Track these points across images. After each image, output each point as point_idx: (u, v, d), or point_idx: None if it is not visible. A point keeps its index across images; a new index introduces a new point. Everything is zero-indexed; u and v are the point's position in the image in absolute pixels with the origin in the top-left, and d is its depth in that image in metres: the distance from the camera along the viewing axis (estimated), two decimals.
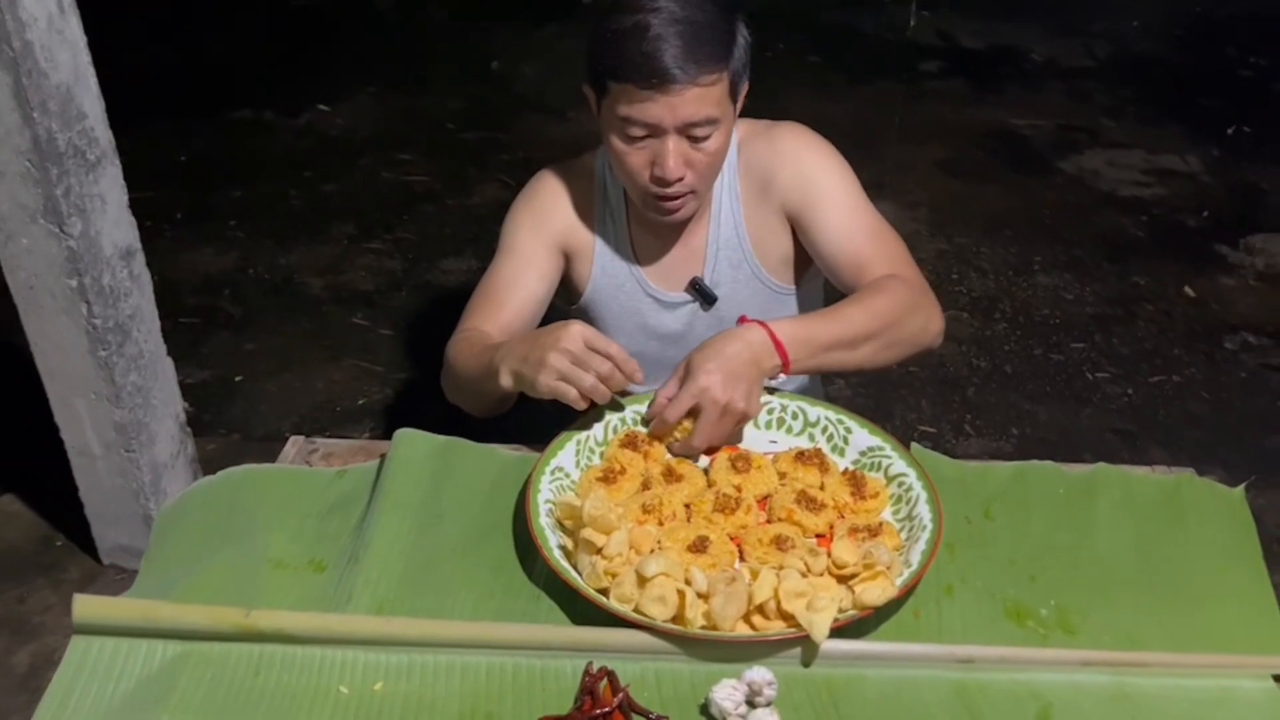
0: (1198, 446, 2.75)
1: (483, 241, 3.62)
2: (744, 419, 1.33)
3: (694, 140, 1.39)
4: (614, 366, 1.27)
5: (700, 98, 1.35)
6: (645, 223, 1.57)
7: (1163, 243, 3.65)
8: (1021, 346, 3.13)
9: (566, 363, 1.26)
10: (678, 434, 1.34)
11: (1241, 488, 1.35)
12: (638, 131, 1.38)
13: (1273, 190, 3.97)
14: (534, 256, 1.57)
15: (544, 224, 1.58)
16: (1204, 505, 1.33)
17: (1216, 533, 1.29)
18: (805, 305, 1.64)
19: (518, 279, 1.55)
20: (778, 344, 1.34)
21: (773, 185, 1.54)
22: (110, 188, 1.95)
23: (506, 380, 1.32)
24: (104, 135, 1.92)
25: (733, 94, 1.41)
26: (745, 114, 1.51)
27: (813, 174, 1.53)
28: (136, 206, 2.04)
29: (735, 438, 1.37)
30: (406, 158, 4.15)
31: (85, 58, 1.84)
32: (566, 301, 1.67)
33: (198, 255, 3.54)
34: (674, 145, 1.38)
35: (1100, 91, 4.80)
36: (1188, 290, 3.39)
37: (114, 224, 1.97)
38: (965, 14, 5.49)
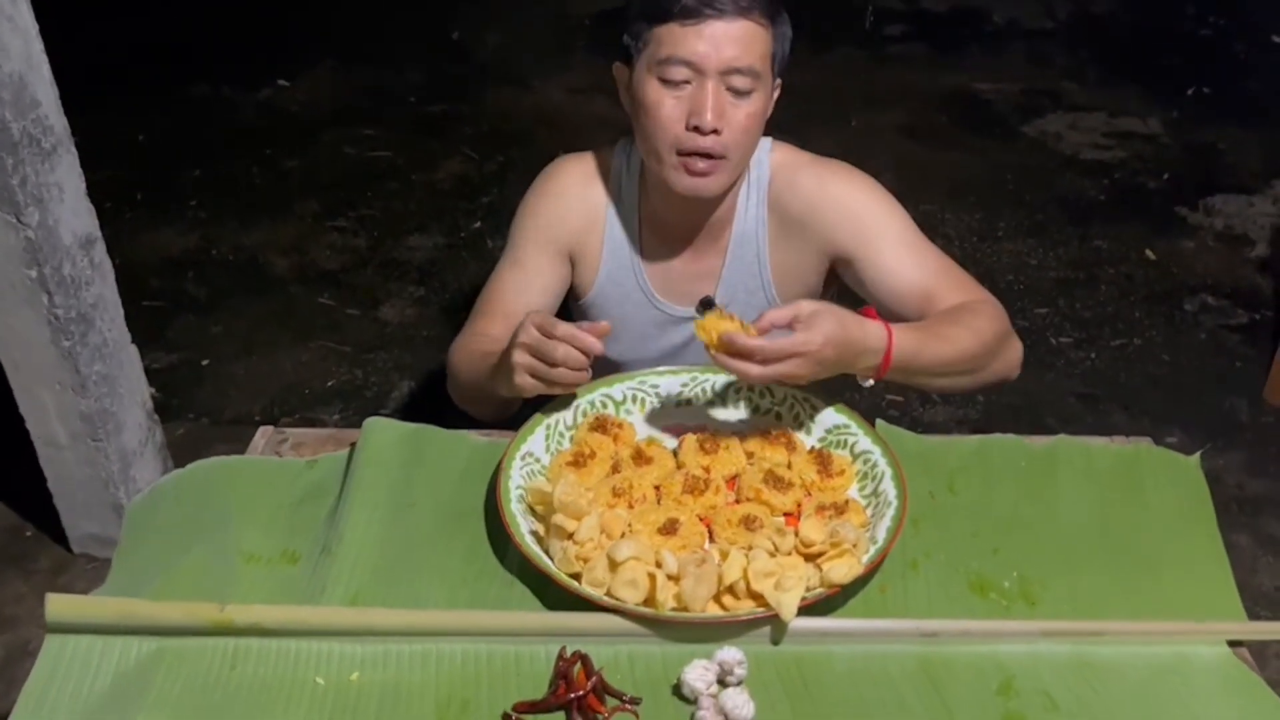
0: (1159, 409, 2.81)
1: (448, 217, 3.61)
2: (787, 380, 1.26)
3: (734, 93, 1.36)
4: (569, 348, 1.26)
5: (748, 36, 1.33)
6: (658, 232, 1.54)
7: (1124, 206, 3.69)
8: None
9: (529, 358, 1.27)
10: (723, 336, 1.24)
11: (1196, 456, 1.38)
12: (679, 73, 1.35)
13: (1231, 151, 4.01)
14: (540, 269, 1.55)
15: (552, 230, 1.55)
16: (1160, 474, 1.36)
17: (1173, 501, 1.33)
18: None
19: (521, 293, 1.53)
20: (887, 358, 1.29)
21: (817, 226, 1.49)
22: (67, 175, 1.93)
23: (505, 389, 1.35)
24: (59, 122, 1.89)
25: (774, 64, 1.39)
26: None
27: (866, 214, 1.48)
28: (95, 189, 2.02)
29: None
30: (369, 133, 4.11)
31: (37, 45, 1.80)
32: (571, 299, 1.64)
33: (159, 237, 3.49)
34: (714, 90, 1.35)
35: (1061, 53, 4.82)
36: (1148, 253, 3.43)
37: (72, 212, 1.95)
38: None
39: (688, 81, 1.36)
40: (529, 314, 1.29)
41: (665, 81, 1.37)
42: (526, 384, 1.29)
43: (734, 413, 1.44)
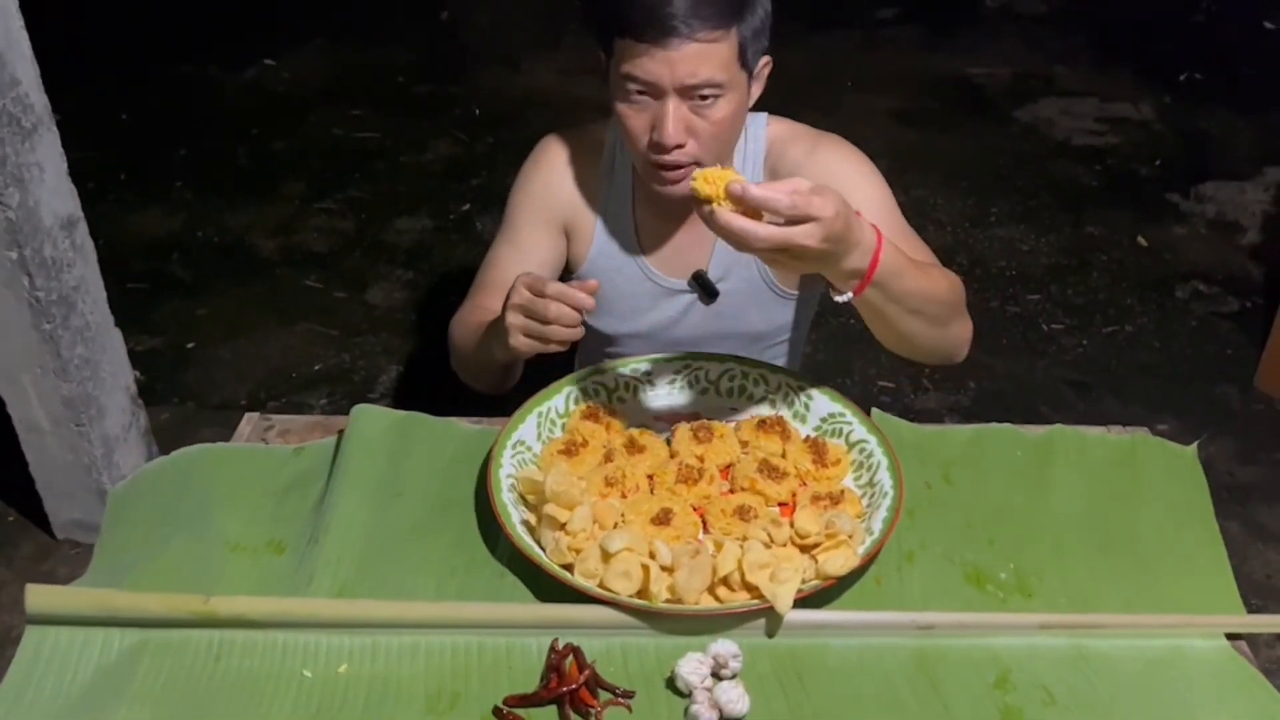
0: (1150, 396, 2.80)
1: (437, 200, 3.57)
2: (784, 257, 1.12)
3: (698, 104, 1.32)
4: (561, 305, 1.23)
5: (701, 56, 1.28)
6: (651, 204, 1.52)
7: (1116, 192, 3.68)
8: (978, 299, 3.14)
9: (522, 318, 1.25)
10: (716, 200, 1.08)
11: (1194, 446, 1.37)
12: (637, 91, 1.33)
13: (1223, 138, 4.00)
14: (536, 243, 1.53)
15: (545, 205, 1.54)
16: (1157, 465, 1.35)
17: (1170, 492, 1.32)
18: (802, 314, 1.60)
19: (518, 267, 1.48)
20: (875, 261, 1.18)
21: None
22: (48, 156, 1.89)
23: (501, 353, 1.32)
24: (39, 101, 1.85)
25: (743, 60, 1.34)
26: None
27: (848, 183, 1.42)
28: (78, 169, 1.98)
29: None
30: (357, 113, 4.06)
31: (17, 22, 1.76)
32: (565, 271, 1.62)
33: (144, 218, 3.45)
34: (674, 108, 1.32)
35: (1054, 38, 4.79)
36: (1140, 240, 3.42)
37: (53, 193, 1.91)
38: None
39: (647, 94, 1.33)
40: (519, 276, 1.27)
41: (628, 95, 1.34)
42: (521, 344, 1.27)
43: (728, 401, 1.42)
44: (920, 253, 1.46)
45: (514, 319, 1.26)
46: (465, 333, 1.49)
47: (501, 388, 1.47)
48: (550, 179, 1.55)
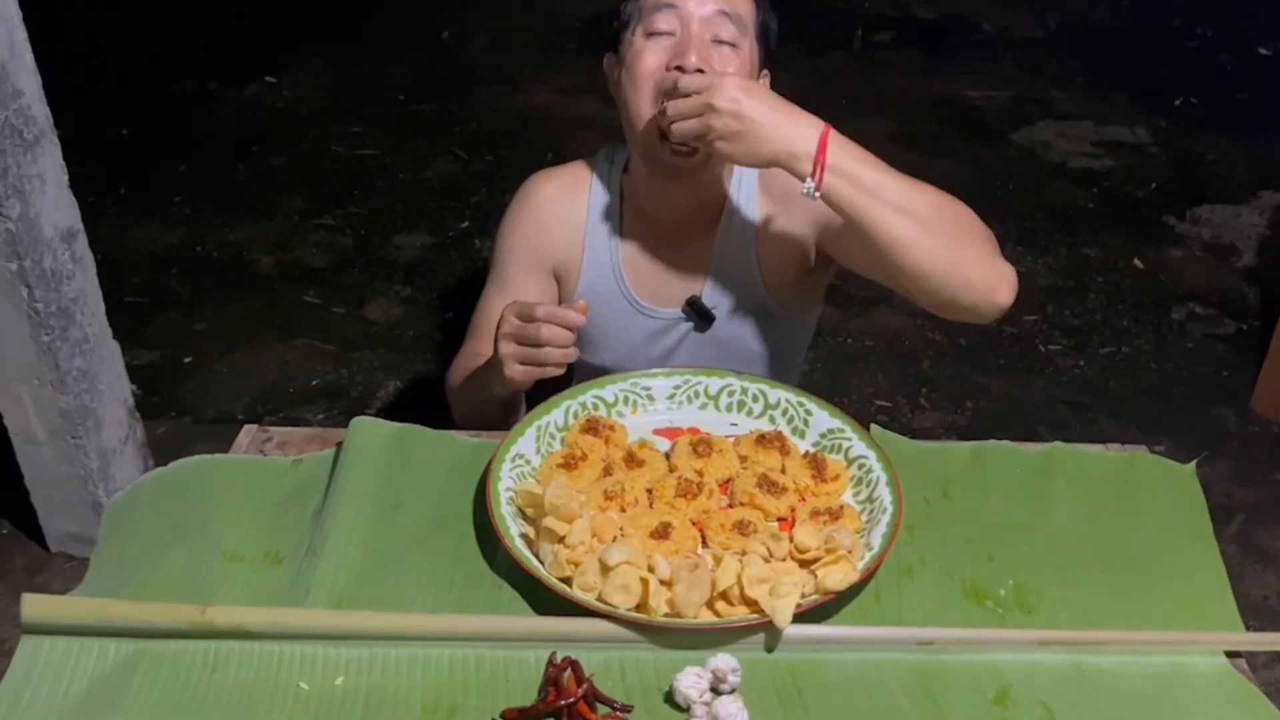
0: (1147, 417, 2.81)
1: (435, 217, 3.58)
2: (722, 113, 1.22)
3: (719, 43, 1.35)
4: (553, 327, 1.25)
5: None
6: (640, 236, 1.52)
7: (1112, 215, 3.70)
8: None
9: (515, 346, 1.26)
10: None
11: (1192, 464, 1.37)
12: (664, 22, 1.35)
13: (1218, 162, 4.03)
14: (525, 289, 1.54)
15: (532, 249, 1.54)
16: (1157, 482, 1.35)
17: (1169, 510, 1.31)
18: (799, 337, 1.61)
19: None
20: (823, 146, 1.22)
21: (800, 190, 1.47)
22: (49, 167, 1.89)
23: (498, 388, 1.34)
24: (41, 113, 1.86)
25: (758, 33, 1.39)
26: None
27: None
28: (78, 183, 1.99)
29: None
30: (356, 130, 4.08)
31: (21, 34, 1.77)
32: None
33: (143, 232, 3.46)
34: (698, 33, 1.34)
35: (1050, 62, 4.83)
36: (1136, 262, 3.44)
37: (54, 205, 1.91)
38: None
39: (672, 34, 1.35)
40: (507, 306, 1.28)
41: (651, 35, 1.36)
42: (518, 373, 1.28)
43: (727, 416, 1.42)
44: None
45: (506, 348, 1.27)
46: (462, 379, 1.49)
47: (504, 427, 1.46)
48: (536, 222, 1.55)
